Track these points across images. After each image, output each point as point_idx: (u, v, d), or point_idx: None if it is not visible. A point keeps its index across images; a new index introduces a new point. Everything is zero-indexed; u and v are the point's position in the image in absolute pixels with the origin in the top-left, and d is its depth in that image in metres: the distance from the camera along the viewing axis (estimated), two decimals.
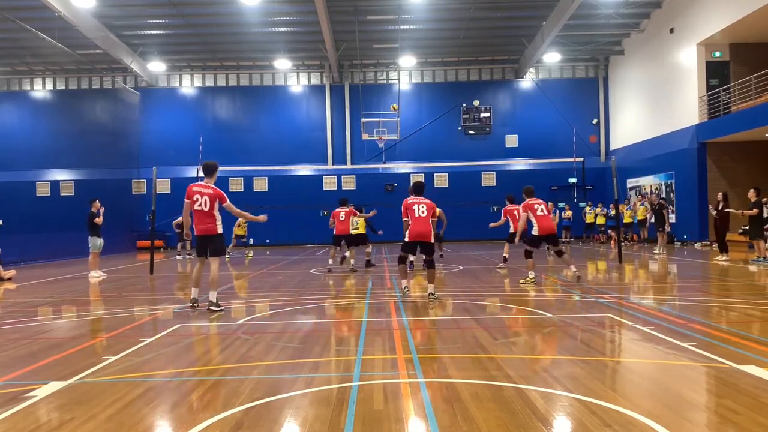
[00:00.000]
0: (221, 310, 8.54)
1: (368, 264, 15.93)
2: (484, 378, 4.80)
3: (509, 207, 14.61)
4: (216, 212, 8.71)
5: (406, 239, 9.24)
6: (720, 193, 16.61)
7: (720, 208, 16.19)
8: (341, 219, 14.90)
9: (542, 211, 11.04)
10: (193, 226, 8.84)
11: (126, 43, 28.73)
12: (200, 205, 8.63)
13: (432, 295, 9.10)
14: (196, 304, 8.83)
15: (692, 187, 23.59)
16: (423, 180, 9.73)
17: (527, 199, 11.33)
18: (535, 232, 11.05)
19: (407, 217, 9.23)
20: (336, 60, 29.93)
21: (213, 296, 8.60)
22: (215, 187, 8.76)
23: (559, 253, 11.45)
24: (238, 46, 29.77)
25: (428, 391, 4.48)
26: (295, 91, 32.70)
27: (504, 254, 15.16)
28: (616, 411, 3.94)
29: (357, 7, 25.04)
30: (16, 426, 3.89)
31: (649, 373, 5.04)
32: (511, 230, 14.46)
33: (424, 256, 9.47)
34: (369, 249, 16.08)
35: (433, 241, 9.23)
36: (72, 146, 31.11)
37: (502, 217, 14.99)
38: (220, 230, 8.73)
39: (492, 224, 16.04)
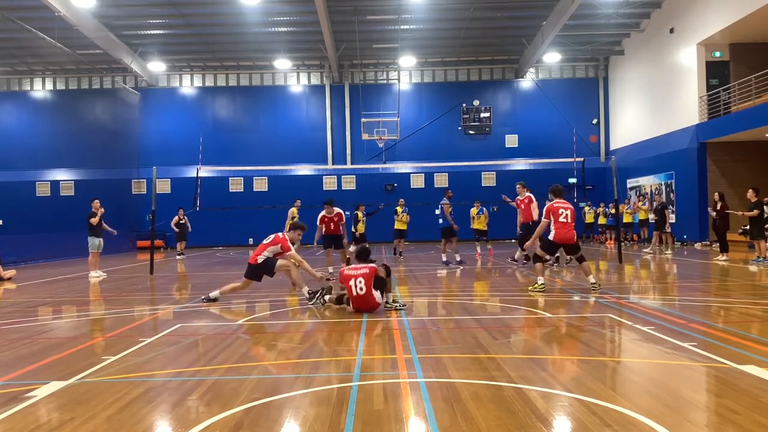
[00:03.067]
0: (312, 295, 9.16)
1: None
2: (484, 378, 4.80)
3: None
4: (267, 249, 9.58)
5: None
6: (716, 194, 16.64)
7: (719, 208, 16.21)
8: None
9: (565, 218, 9.91)
10: None
11: (126, 43, 28.73)
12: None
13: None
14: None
15: (692, 187, 23.60)
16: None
17: (554, 200, 10.19)
18: (551, 237, 10.04)
19: None
20: (336, 60, 29.94)
21: (305, 291, 9.37)
22: (281, 238, 9.63)
23: (580, 260, 10.26)
24: (238, 46, 29.77)
25: (428, 391, 4.47)
26: (295, 91, 32.70)
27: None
28: (616, 411, 3.94)
29: (357, 7, 25.04)
30: (16, 426, 3.90)
31: (649, 373, 5.04)
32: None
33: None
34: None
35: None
36: (72, 146, 31.14)
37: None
38: (258, 261, 9.54)
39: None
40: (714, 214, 16.48)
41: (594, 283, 9.89)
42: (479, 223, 18.38)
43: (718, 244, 16.77)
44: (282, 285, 12.36)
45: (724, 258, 15.75)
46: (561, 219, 9.90)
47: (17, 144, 31.30)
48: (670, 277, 12.98)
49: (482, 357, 5.54)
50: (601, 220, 26.40)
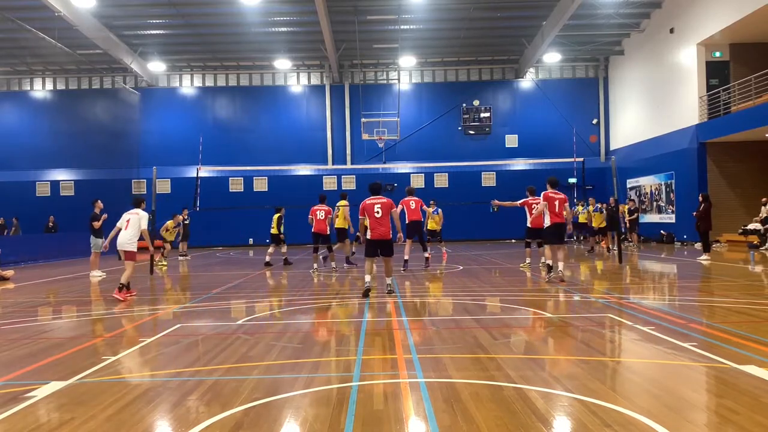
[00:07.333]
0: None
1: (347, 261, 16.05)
2: (484, 378, 4.80)
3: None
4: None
5: None
6: (701, 195, 16.72)
7: (701, 209, 16.22)
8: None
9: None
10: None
11: (126, 43, 28.72)
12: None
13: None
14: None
15: (692, 187, 23.57)
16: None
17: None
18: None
19: None
20: (336, 60, 29.93)
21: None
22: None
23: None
24: (238, 46, 29.76)
25: (428, 391, 4.47)
26: (295, 91, 32.70)
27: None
28: (616, 411, 3.94)
29: (357, 7, 25.04)
30: (16, 426, 3.90)
31: (649, 373, 5.04)
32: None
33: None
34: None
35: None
36: (72, 146, 31.12)
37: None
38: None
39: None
40: (694, 214, 16.57)
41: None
42: (433, 224, 17.68)
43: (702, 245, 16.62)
44: (282, 285, 12.38)
45: (705, 258, 15.73)
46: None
47: (17, 144, 31.27)
48: (670, 278, 12.97)
49: (482, 357, 5.54)
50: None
